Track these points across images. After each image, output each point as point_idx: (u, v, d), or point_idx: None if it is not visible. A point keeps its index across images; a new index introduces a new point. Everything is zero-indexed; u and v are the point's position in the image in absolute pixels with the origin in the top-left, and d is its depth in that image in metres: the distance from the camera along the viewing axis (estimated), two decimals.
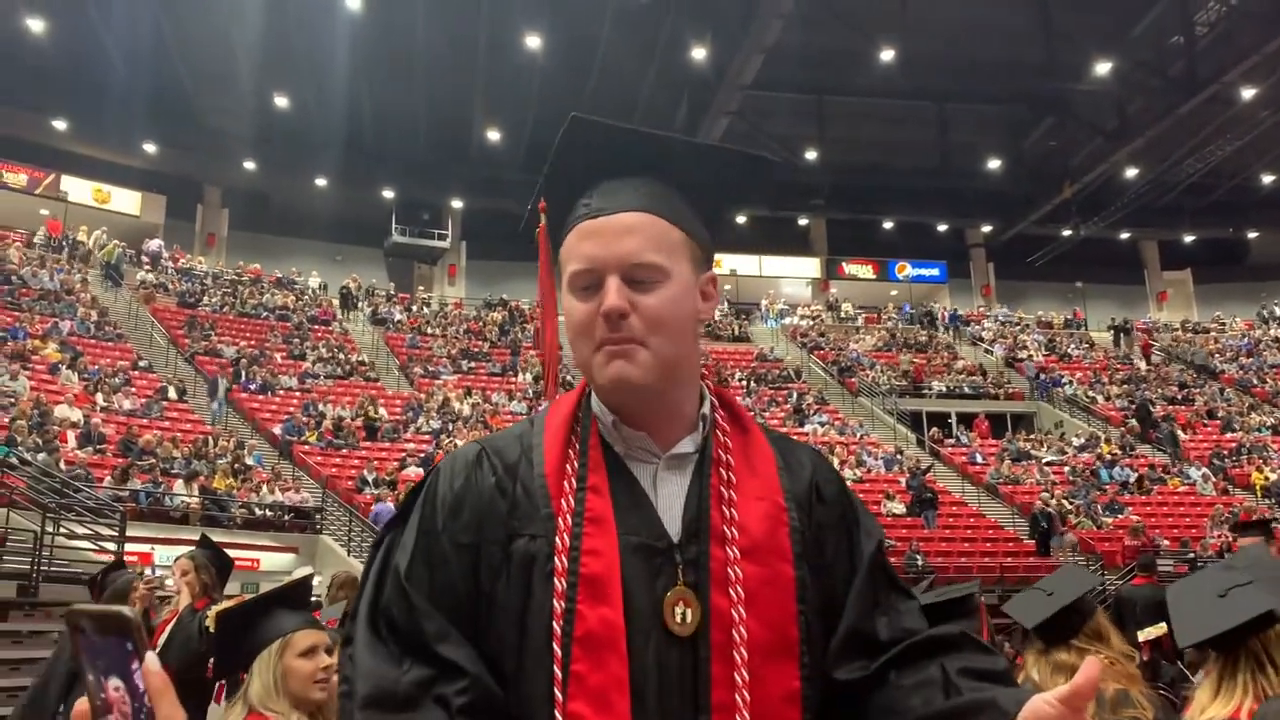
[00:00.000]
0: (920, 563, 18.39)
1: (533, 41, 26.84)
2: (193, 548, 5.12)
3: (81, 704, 0.70)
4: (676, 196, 1.39)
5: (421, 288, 33.93)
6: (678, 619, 1.26)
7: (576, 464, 1.34)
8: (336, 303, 29.91)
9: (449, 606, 1.28)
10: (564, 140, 1.40)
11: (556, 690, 1.22)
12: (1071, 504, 21.65)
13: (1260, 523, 6.26)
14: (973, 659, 1.27)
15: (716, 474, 1.36)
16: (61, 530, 13.18)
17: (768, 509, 1.35)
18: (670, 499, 1.34)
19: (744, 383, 27.83)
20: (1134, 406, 27.63)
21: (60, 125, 28.98)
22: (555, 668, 1.22)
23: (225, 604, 3.03)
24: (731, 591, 1.27)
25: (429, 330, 29.38)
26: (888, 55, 26.21)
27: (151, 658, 0.71)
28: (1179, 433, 25.96)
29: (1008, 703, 1.14)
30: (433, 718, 1.19)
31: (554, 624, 1.24)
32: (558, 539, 1.28)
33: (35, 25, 25.60)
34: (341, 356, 26.11)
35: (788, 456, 1.43)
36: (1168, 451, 25.07)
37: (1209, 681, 2.14)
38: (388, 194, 33.24)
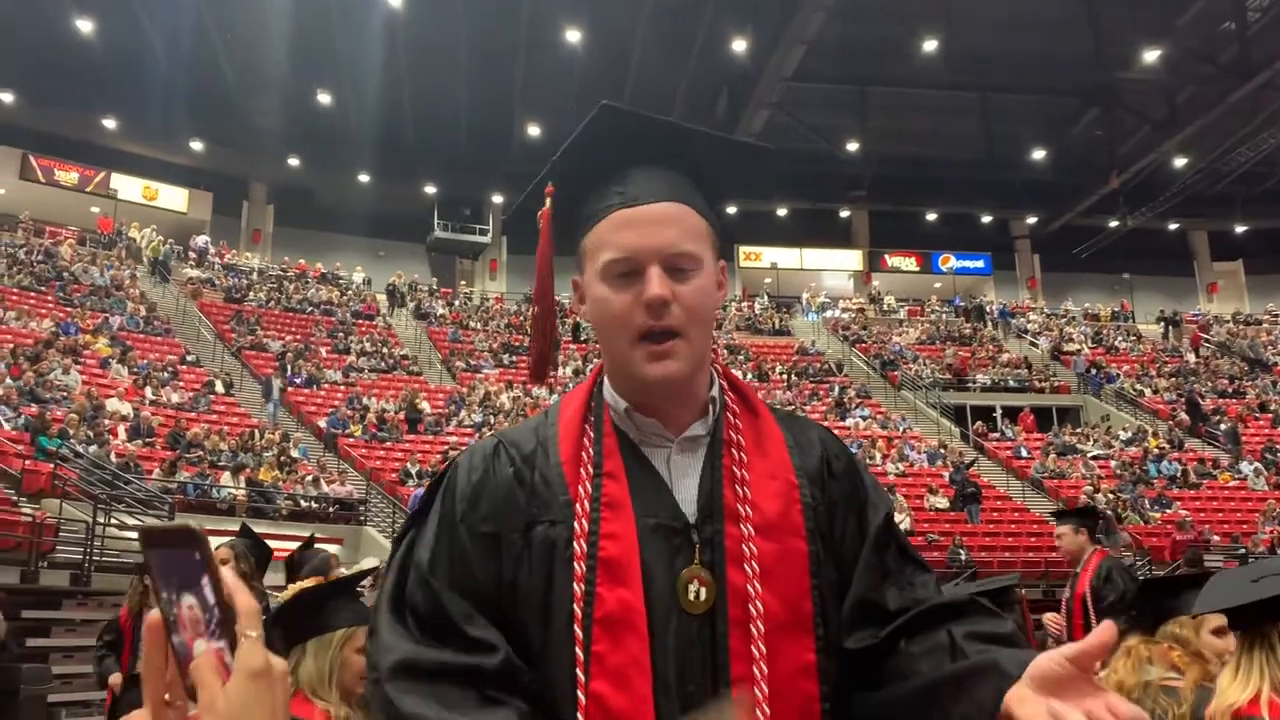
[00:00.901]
0: (964, 557, 18.25)
1: (572, 36, 26.88)
2: (233, 537, 5.17)
3: (153, 615, 0.73)
4: (698, 186, 1.43)
5: (463, 282, 34.16)
6: (691, 596, 1.30)
7: (592, 451, 1.38)
8: (383, 299, 30.18)
9: (470, 594, 1.31)
10: (590, 128, 1.42)
11: (579, 671, 1.25)
12: (1118, 498, 21.34)
13: (1081, 510, 6.47)
14: (980, 623, 1.29)
15: (729, 455, 1.39)
16: (112, 521, 13.46)
17: (780, 487, 1.38)
18: (684, 481, 1.38)
19: (784, 376, 27.72)
20: (1182, 400, 27.17)
21: (110, 124, 29.53)
22: (577, 649, 1.26)
23: (306, 583, 3.07)
24: (747, 567, 1.31)
25: (471, 324, 29.58)
26: (930, 45, 25.94)
27: (225, 570, 0.75)
28: (1238, 429, 25.30)
29: (1010, 664, 1.15)
30: (464, 687, 1.22)
31: (575, 607, 1.28)
32: (576, 524, 1.32)
33: (85, 26, 26.07)
34: (385, 350, 26.37)
35: (798, 435, 1.47)
36: (1229, 450, 24.44)
37: (1230, 665, 2.16)
38: (429, 190, 33.49)
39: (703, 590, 1.30)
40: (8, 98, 28.03)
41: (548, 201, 1.46)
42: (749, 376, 26.07)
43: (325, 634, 2.68)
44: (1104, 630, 1.06)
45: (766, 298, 34.20)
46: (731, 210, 33.43)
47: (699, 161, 1.43)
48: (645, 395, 1.40)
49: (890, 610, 1.36)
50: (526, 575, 1.32)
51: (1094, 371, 29.17)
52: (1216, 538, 19.83)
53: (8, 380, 17.55)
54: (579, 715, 1.24)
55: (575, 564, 1.29)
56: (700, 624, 1.29)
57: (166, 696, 0.74)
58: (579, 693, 1.24)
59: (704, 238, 1.39)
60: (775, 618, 1.29)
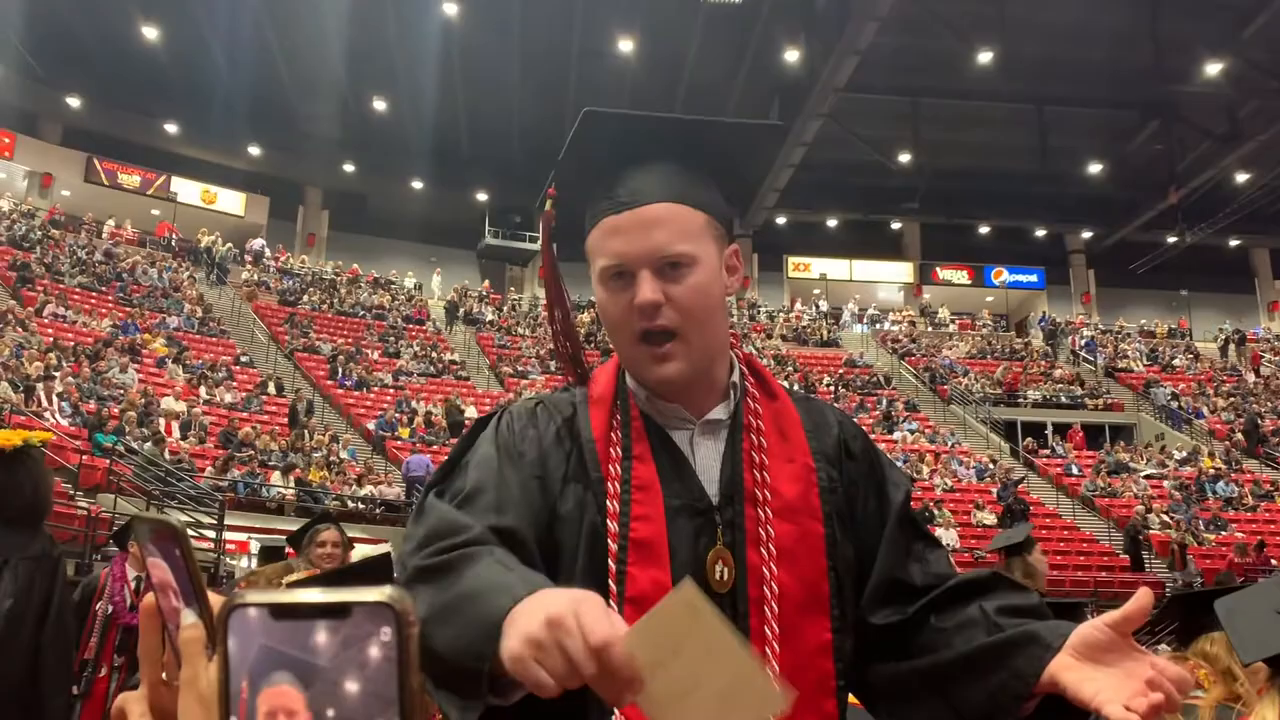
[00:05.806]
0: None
1: (625, 45, 27.00)
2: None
3: (148, 600, 0.77)
4: (696, 177, 1.43)
5: (513, 289, 34.39)
6: (717, 576, 1.34)
7: (620, 434, 1.42)
8: (436, 305, 30.42)
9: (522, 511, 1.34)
10: (578, 134, 1.44)
11: None
12: (1171, 519, 20.90)
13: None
14: (1009, 597, 1.33)
15: (748, 439, 1.43)
16: None
17: (798, 470, 1.42)
18: (707, 463, 1.42)
19: (831, 388, 27.53)
20: (1241, 420, 26.54)
21: (171, 129, 30.19)
22: None
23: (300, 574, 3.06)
24: (764, 549, 1.35)
25: (519, 330, 29.75)
26: (985, 57, 25.67)
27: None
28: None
29: (1050, 635, 1.18)
30: (477, 528, 1.23)
31: (609, 583, 1.31)
32: (609, 504, 1.36)
33: (150, 34, 26.69)
34: (434, 355, 26.61)
35: (815, 417, 1.51)
36: None
37: (1270, 701, 2.04)
38: (481, 197, 33.79)
39: (726, 570, 1.34)
40: (75, 102, 28.79)
41: (548, 204, 1.50)
42: (796, 389, 25.91)
43: None
44: (1143, 595, 1.07)
45: (815, 309, 33.98)
46: (781, 220, 33.33)
47: (697, 151, 1.44)
48: (655, 390, 1.44)
49: (917, 586, 1.40)
50: (560, 527, 1.37)
51: (1177, 404, 28.15)
52: (1275, 561, 19.35)
53: (69, 377, 17.98)
54: None
55: (610, 542, 1.33)
56: (723, 603, 1.31)
57: (164, 676, 0.77)
58: None
59: (701, 233, 1.40)
60: (793, 598, 1.33)
